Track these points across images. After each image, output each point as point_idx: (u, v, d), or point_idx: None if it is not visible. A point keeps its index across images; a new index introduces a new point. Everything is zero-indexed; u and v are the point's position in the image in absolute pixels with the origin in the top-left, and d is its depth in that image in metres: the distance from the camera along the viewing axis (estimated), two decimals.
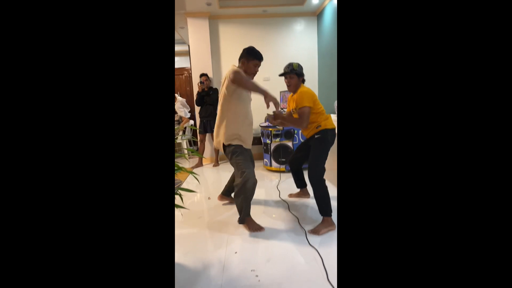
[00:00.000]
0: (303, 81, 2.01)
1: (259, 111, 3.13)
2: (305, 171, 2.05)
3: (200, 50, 3.85)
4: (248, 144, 1.97)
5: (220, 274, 1.42)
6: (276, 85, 3.85)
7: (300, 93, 1.92)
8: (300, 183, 2.40)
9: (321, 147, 1.89)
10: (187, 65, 5.44)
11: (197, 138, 4.13)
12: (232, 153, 1.89)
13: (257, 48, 1.93)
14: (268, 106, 1.80)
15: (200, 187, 2.92)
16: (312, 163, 1.87)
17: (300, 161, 2.28)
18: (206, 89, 3.65)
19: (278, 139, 3.26)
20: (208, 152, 4.07)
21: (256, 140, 3.71)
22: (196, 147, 5.08)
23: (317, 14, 3.91)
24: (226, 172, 3.49)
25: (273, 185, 2.89)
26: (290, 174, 3.02)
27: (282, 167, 3.29)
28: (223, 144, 1.92)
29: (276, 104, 1.82)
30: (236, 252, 1.61)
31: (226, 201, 2.42)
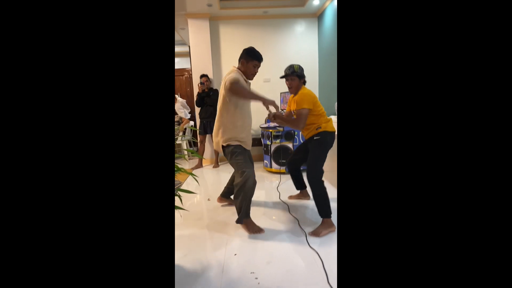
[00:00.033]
0: (304, 82, 2.02)
1: (259, 112, 3.13)
2: (304, 172, 2.05)
3: (201, 51, 3.85)
4: (247, 145, 1.97)
5: (220, 276, 1.41)
6: (277, 87, 3.85)
7: (300, 95, 1.92)
8: (299, 185, 2.40)
9: (320, 149, 1.89)
10: (187, 66, 5.45)
11: (197, 139, 4.13)
12: (232, 153, 1.89)
13: (258, 49, 1.93)
14: (268, 109, 1.83)
15: (200, 188, 2.92)
16: (311, 165, 1.87)
17: (298, 163, 2.27)
18: (206, 90, 3.65)
19: (278, 141, 3.25)
20: (208, 153, 4.06)
21: (256, 141, 3.71)
22: (196, 148, 5.07)
23: (318, 16, 3.91)
24: (226, 173, 3.48)
25: (273, 186, 2.88)
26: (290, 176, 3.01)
27: (282, 169, 3.28)
28: (222, 145, 1.92)
29: (275, 107, 1.84)
30: (235, 254, 1.61)
31: (225, 203, 2.42)
